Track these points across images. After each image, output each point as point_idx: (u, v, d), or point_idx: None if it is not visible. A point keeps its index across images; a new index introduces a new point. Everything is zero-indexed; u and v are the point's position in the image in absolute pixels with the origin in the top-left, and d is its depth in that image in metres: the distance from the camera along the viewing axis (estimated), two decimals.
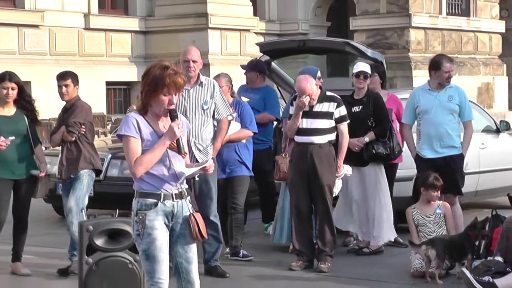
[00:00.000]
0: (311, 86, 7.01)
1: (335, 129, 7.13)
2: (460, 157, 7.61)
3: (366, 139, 7.54)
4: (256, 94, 8.62)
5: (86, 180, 6.97)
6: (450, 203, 7.33)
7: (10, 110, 6.96)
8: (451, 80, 7.66)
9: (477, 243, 6.80)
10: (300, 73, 7.18)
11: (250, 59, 9.25)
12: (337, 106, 7.10)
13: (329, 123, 7.09)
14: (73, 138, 6.96)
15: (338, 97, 7.23)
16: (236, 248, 7.52)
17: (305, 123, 7.07)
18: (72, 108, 7.04)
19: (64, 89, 7.01)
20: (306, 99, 6.96)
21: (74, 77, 7.10)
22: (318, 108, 7.10)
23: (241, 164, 7.52)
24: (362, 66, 7.76)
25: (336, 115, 7.10)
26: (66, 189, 7.07)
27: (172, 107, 4.39)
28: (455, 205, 7.50)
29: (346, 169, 7.32)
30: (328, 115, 7.08)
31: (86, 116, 7.04)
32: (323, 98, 7.11)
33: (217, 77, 7.64)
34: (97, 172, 7.23)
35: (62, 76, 7.07)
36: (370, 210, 7.69)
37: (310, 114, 7.08)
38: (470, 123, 7.74)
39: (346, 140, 7.19)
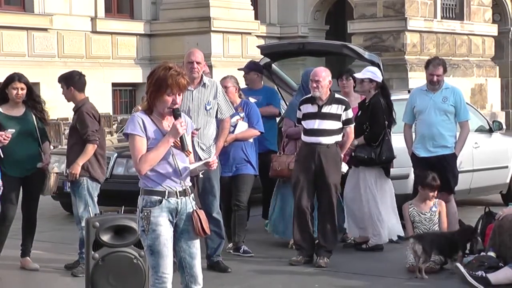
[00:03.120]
0: (326, 77, 7.21)
1: (341, 130, 7.30)
2: (453, 157, 7.73)
3: (355, 142, 7.68)
4: (258, 95, 8.72)
5: (86, 186, 6.90)
6: (445, 200, 7.47)
7: (19, 110, 7.03)
8: (441, 82, 7.74)
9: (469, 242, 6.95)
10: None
11: (251, 61, 9.34)
12: (345, 109, 7.28)
13: (336, 125, 7.25)
14: (97, 143, 6.87)
15: (346, 100, 7.44)
16: (238, 244, 7.66)
17: (314, 124, 7.23)
18: (78, 116, 6.93)
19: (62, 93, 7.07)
20: None
21: (65, 80, 6.99)
22: (326, 109, 7.25)
23: (247, 163, 7.65)
24: (363, 71, 7.90)
25: (343, 117, 7.27)
26: (71, 189, 7.07)
27: (176, 106, 4.47)
28: (450, 203, 7.65)
29: (342, 166, 7.53)
30: (336, 116, 7.24)
31: (93, 124, 6.89)
32: (332, 100, 7.27)
33: (223, 79, 7.77)
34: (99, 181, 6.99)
35: (58, 80, 7.07)
36: (367, 209, 7.80)
37: (318, 115, 7.23)
38: (466, 123, 7.86)
39: (350, 140, 7.41)
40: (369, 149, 7.70)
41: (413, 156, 7.87)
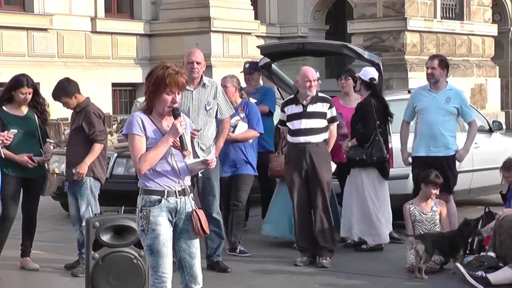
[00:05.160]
0: (315, 76, 7.29)
1: (327, 128, 7.33)
2: (452, 158, 7.69)
3: (349, 144, 7.73)
4: (259, 94, 8.77)
5: (89, 185, 6.93)
6: (444, 200, 7.45)
7: (23, 110, 7.08)
8: (439, 77, 7.71)
9: (470, 239, 6.94)
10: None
11: (249, 62, 9.31)
12: (330, 107, 7.33)
13: (323, 123, 7.28)
14: (104, 143, 6.93)
15: (330, 98, 7.48)
16: (235, 244, 7.65)
17: (300, 124, 7.25)
18: (85, 116, 6.94)
19: (64, 106, 7.09)
20: None
21: (64, 92, 7.01)
22: (312, 108, 7.28)
23: (246, 164, 7.65)
24: (362, 71, 7.91)
25: (328, 115, 7.31)
26: (70, 189, 7.11)
27: (176, 105, 4.49)
28: (449, 203, 7.63)
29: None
30: (322, 115, 7.28)
31: (99, 125, 6.93)
32: (316, 99, 7.30)
33: (223, 78, 7.78)
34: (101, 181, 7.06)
35: (54, 98, 7.06)
36: (365, 210, 7.79)
37: (304, 115, 7.26)
38: (473, 122, 7.89)
39: (333, 139, 7.43)
40: (361, 150, 7.72)
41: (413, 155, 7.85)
